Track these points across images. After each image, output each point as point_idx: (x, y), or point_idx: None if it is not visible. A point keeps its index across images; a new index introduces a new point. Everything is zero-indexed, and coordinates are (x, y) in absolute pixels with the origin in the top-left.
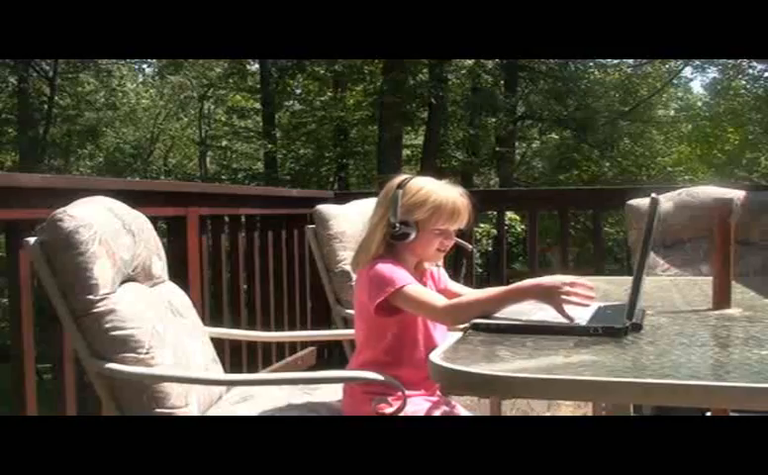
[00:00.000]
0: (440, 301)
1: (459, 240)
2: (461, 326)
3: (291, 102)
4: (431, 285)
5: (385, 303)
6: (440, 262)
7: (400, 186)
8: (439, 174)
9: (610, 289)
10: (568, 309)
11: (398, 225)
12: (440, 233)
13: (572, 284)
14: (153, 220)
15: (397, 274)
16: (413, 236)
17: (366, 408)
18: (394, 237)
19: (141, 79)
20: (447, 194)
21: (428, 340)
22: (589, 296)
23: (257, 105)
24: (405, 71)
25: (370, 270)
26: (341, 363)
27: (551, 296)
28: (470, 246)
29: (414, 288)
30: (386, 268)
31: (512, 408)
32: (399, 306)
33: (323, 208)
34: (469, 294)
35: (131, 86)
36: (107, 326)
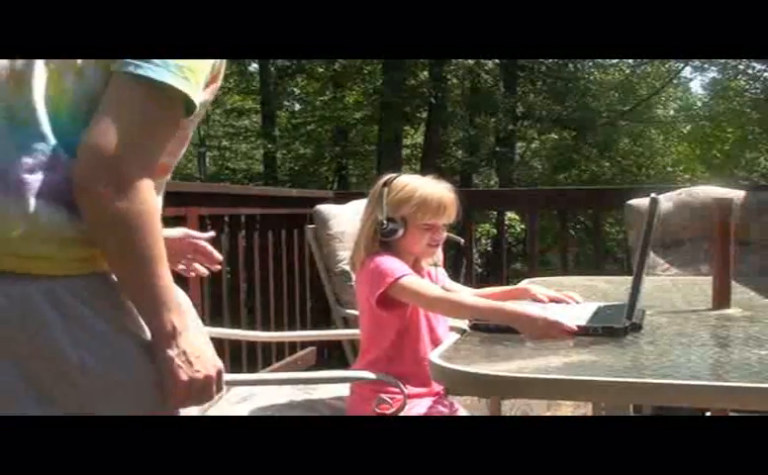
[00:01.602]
0: (437, 291)
1: (450, 235)
2: (459, 326)
3: (290, 102)
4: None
5: (385, 295)
6: (440, 262)
7: (386, 184)
8: (440, 174)
9: (610, 289)
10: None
11: (385, 221)
12: (428, 227)
13: (551, 325)
14: None
15: (395, 266)
16: (400, 232)
17: (371, 406)
18: (383, 235)
19: None
20: (433, 189)
21: (431, 334)
22: (564, 333)
23: (257, 105)
24: (405, 71)
25: (370, 264)
26: (341, 363)
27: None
28: (462, 240)
29: (411, 279)
30: (384, 260)
31: (512, 408)
32: (398, 297)
33: (323, 208)
34: (464, 295)
35: None
36: None
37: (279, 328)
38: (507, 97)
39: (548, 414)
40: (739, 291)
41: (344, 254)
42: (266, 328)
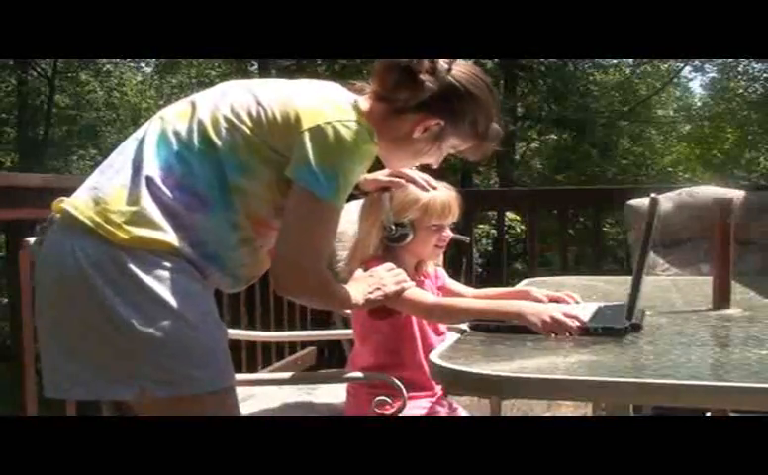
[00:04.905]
0: (432, 298)
1: (456, 235)
2: (459, 325)
3: None
4: (429, 284)
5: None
6: (440, 262)
7: (385, 188)
8: (440, 174)
9: (610, 289)
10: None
11: (394, 227)
12: (437, 228)
13: (557, 320)
14: None
15: None
16: (410, 236)
17: (369, 409)
18: (391, 241)
19: (140, 79)
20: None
21: (424, 341)
22: (571, 328)
23: None
24: None
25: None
26: (341, 363)
27: (539, 329)
28: (467, 238)
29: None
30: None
31: (512, 408)
32: (392, 306)
33: None
34: (462, 298)
35: (131, 84)
36: None
37: (279, 327)
38: (507, 97)
39: (548, 414)
40: (739, 291)
41: (345, 254)
42: (266, 327)
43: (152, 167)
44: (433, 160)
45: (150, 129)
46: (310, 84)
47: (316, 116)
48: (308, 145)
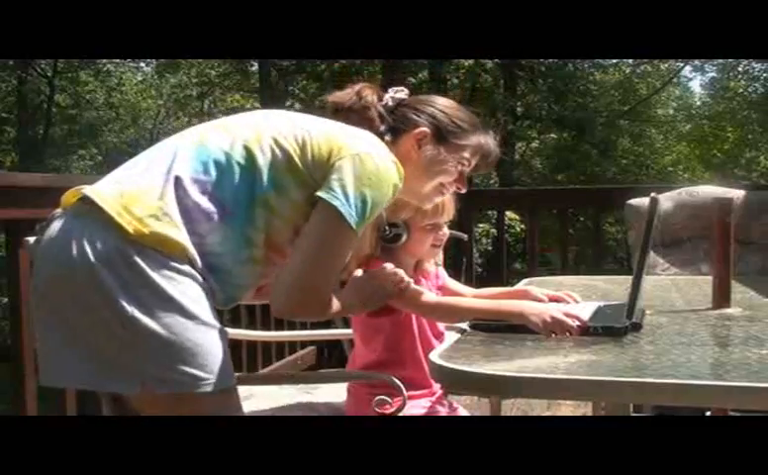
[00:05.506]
0: (432, 297)
1: (453, 232)
2: (459, 325)
3: (291, 102)
4: (428, 284)
5: None
6: (440, 261)
7: None
8: None
9: (610, 289)
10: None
11: (387, 227)
12: (432, 228)
13: (558, 320)
14: None
15: None
16: (404, 237)
17: (369, 408)
18: (386, 241)
19: (140, 78)
20: None
21: (423, 338)
22: (572, 328)
23: (257, 105)
24: (405, 71)
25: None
26: (341, 363)
27: (539, 329)
28: (465, 236)
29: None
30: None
31: (512, 408)
32: (393, 306)
33: None
34: (462, 298)
35: (131, 84)
36: None
37: (279, 327)
38: (507, 97)
39: (548, 414)
40: (739, 291)
41: None
42: (266, 327)
43: (184, 169)
44: (452, 178)
45: (186, 140)
46: (348, 125)
47: (357, 146)
48: (346, 169)
